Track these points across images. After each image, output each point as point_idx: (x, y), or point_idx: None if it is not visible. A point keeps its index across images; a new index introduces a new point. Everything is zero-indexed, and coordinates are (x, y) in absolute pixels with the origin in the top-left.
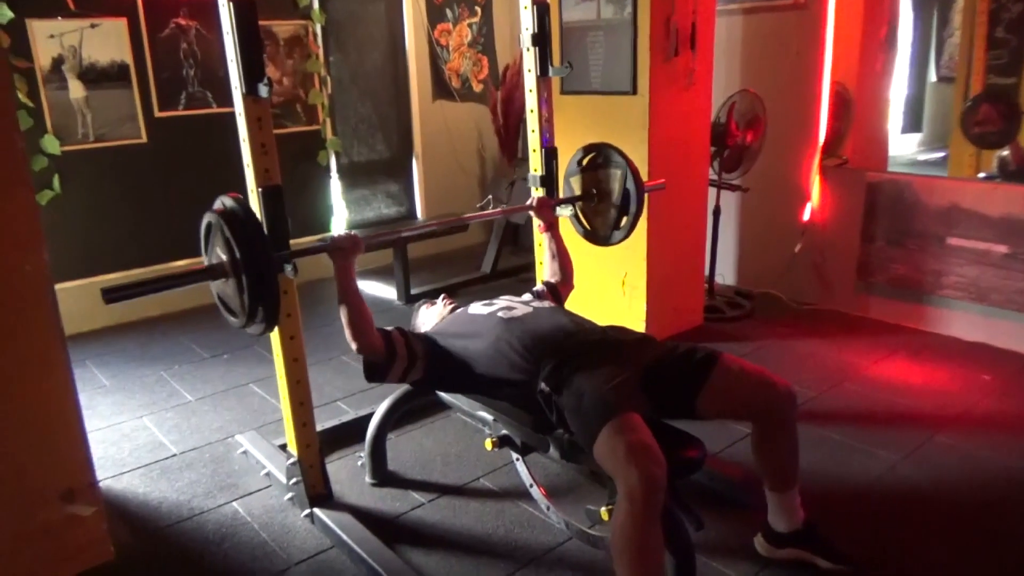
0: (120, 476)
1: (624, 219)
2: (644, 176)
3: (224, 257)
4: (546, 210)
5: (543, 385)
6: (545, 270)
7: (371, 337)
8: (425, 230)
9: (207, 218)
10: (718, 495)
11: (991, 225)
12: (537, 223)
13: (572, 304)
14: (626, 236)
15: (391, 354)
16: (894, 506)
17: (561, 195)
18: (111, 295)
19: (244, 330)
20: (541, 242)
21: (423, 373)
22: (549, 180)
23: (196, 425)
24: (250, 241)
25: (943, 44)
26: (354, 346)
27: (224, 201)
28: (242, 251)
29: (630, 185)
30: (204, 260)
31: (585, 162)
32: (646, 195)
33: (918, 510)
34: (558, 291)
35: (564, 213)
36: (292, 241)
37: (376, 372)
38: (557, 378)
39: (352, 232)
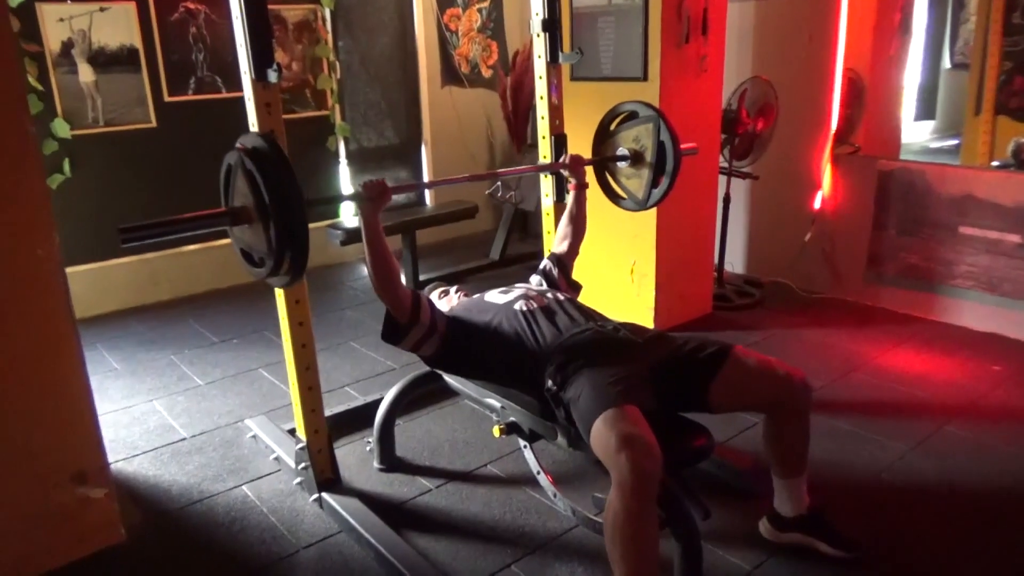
0: (131, 459)
1: (662, 177)
2: None
3: (248, 199)
4: (579, 167)
5: (550, 383)
6: (557, 236)
7: (399, 289)
8: (449, 183)
9: (228, 159)
10: (725, 484)
11: (1004, 214)
12: (568, 181)
13: (582, 293)
14: (665, 194)
15: (415, 315)
16: (902, 495)
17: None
18: (127, 235)
19: (268, 280)
20: (563, 209)
21: (436, 348)
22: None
23: (206, 409)
24: (279, 179)
25: (958, 30)
26: (380, 293)
27: (245, 140)
28: (268, 188)
29: (664, 137)
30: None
31: (613, 126)
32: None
33: (926, 500)
34: (565, 265)
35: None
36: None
37: (395, 332)
38: (563, 375)
39: (380, 179)
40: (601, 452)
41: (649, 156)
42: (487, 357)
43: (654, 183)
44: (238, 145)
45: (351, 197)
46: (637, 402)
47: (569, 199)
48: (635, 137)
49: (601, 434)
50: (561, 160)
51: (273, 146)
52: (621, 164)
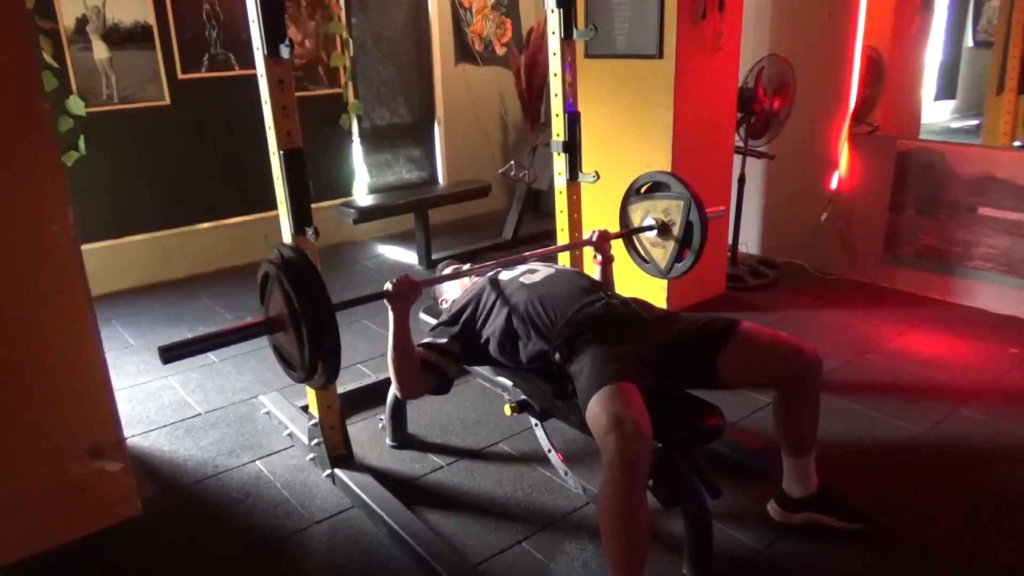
0: (147, 434)
1: (687, 252)
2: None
3: (283, 309)
4: (606, 244)
5: (557, 355)
6: None
7: (419, 382)
8: (488, 269)
9: (264, 268)
10: (736, 464)
11: None
12: (592, 255)
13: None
14: (688, 270)
15: (442, 377)
16: (916, 477)
17: (619, 224)
18: (168, 354)
19: (303, 383)
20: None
21: (462, 365)
22: (572, 146)
23: (220, 385)
24: (310, 293)
25: (981, 7)
26: (401, 396)
27: (282, 251)
28: (302, 304)
29: (694, 217)
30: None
31: (642, 191)
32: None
33: (940, 481)
34: None
35: (587, 179)
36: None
37: (438, 392)
38: (570, 349)
39: (407, 276)
40: (593, 431)
41: (677, 231)
42: (501, 344)
43: (678, 257)
44: (274, 257)
45: (380, 295)
46: (635, 380)
47: (596, 274)
48: (665, 209)
49: (594, 413)
50: (588, 237)
51: (305, 261)
52: (648, 233)
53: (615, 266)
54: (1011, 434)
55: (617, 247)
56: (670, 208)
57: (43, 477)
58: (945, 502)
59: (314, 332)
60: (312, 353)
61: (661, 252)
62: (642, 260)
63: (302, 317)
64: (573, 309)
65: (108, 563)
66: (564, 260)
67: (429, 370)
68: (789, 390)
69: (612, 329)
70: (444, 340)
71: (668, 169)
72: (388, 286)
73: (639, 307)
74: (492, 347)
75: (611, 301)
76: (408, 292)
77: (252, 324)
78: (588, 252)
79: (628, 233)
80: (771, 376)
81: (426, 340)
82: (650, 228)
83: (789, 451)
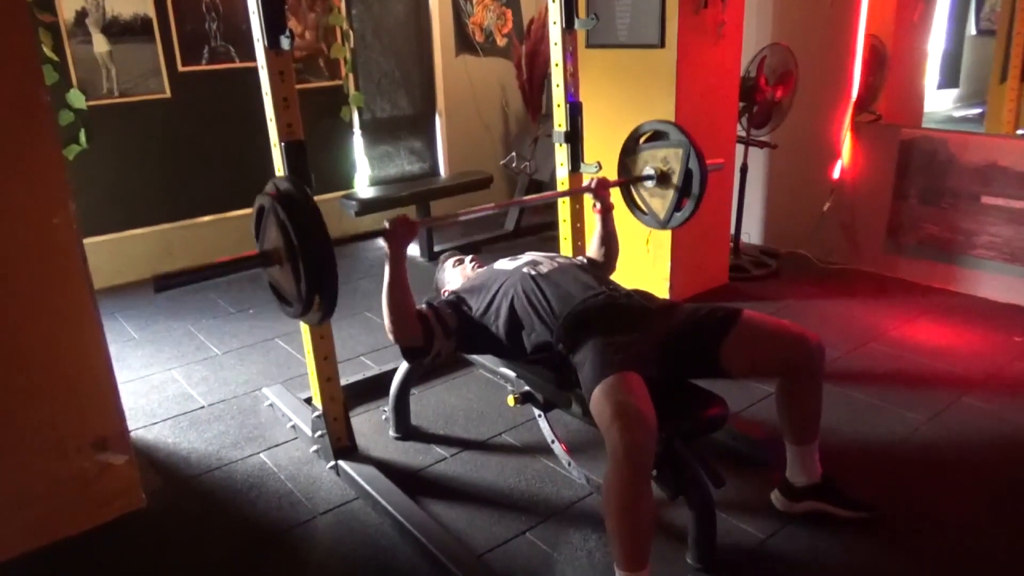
0: (151, 426)
1: (686, 200)
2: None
3: (279, 243)
4: (605, 192)
5: (560, 346)
6: (590, 250)
7: (411, 327)
8: (484, 213)
9: (259, 201)
10: (740, 453)
11: None
12: (592, 203)
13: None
14: (687, 219)
15: (428, 336)
16: (919, 465)
17: (616, 173)
18: (161, 283)
19: (299, 319)
20: (592, 223)
21: (456, 345)
22: (574, 136)
23: (223, 378)
24: (308, 224)
25: None
26: (393, 337)
27: (277, 183)
28: (299, 235)
29: (693, 165)
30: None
31: (642, 140)
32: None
33: (943, 470)
34: (599, 270)
35: (589, 170)
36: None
37: (416, 354)
38: (573, 339)
39: (405, 215)
40: (597, 420)
41: (676, 179)
42: (503, 333)
43: (678, 206)
44: (269, 189)
45: (378, 233)
46: (639, 370)
47: (596, 222)
48: (664, 158)
49: (598, 402)
50: (587, 184)
51: (302, 192)
52: (647, 182)
53: (617, 220)
54: (1014, 423)
55: (618, 202)
56: (669, 157)
57: (48, 470)
58: (948, 491)
59: (311, 264)
60: (309, 286)
61: (660, 202)
62: (641, 212)
63: (299, 249)
64: (576, 300)
65: (113, 555)
66: (563, 209)
67: (422, 322)
68: (792, 378)
69: (615, 319)
70: (446, 310)
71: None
72: (386, 224)
73: (642, 298)
74: (496, 337)
75: (614, 293)
76: (405, 231)
77: (247, 256)
78: (588, 203)
79: (627, 181)
80: (774, 364)
81: (429, 300)
82: (649, 178)
83: (792, 440)
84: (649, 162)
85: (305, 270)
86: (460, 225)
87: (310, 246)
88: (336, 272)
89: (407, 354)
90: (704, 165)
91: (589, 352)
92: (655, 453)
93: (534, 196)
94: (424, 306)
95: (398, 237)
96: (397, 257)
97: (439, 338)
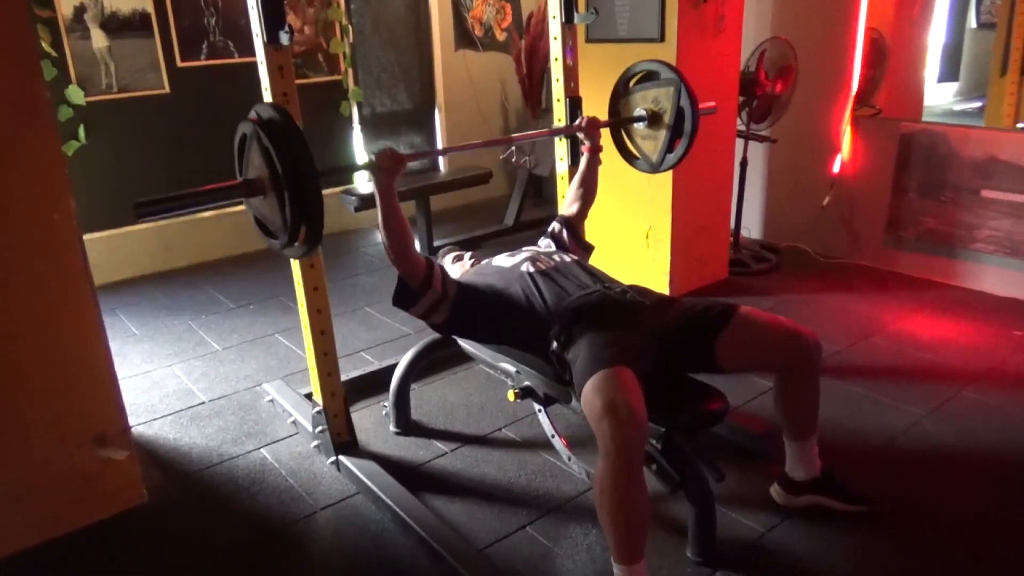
0: (151, 422)
1: (678, 141)
2: None
3: (263, 171)
4: (596, 131)
5: (555, 344)
6: (566, 198)
7: (413, 256)
8: (463, 149)
9: (241, 129)
10: (739, 447)
11: None
12: (582, 144)
13: (596, 258)
14: (680, 160)
15: (427, 281)
16: (919, 460)
17: (606, 118)
18: (142, 209)
19: (284, 252)
20: (576, 167)
21: (447, 315)
22: None
23: (224, 374)
24: (292, 151)
25: None
26: (394, 261)
27: (259, 110)
28: (283, 163)
29: (684, 103)
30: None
31: (632, 83)
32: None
33: (943, 464)
34: (575, 227)
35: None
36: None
37: (406, 297)
38: (568, 336)
39: (390, 148)
40: (588, 416)
41: (667, 119)
42: (497, 320)
43: (670, 147)
44: (251, 116)
45: (365, 166)
46: (631, 365)
47: (582, 162)
48: (654, 98)
49: (588, 398)
50: (577, 123)
51: (286, 118)
52: (638, 125)
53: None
54: (1014, 416)
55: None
56: (660, 96)
57: (50, 466)
58: (948, 484)
59: (296, 191)
60: (294, 215)
61: (652, 144)
62: (632, 156)
63: (283, 176)
64: (571, 297)
65: (115, 550)
66: (560, 146)
67: (428, 265)
68: (788, 374)
69: (609, 315)
70: (449, 277)
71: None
72: (372, 157)
73: (637, 294)
74: (491, 329)
75: (609, 289)
76: (392, 164)
77: (229, 185)
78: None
79: (618, 122)
80: (769, 361)
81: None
82: (640, 119)
83: (791, 435)
84: (640, 103)
85: (290, 198)
86: (459, 218)
87: (295, 172)
88: (322, 199)
89: (400, 294)
90: (696, 101)
91: (582, 348)
92: (646, 447)
93: (525, 134)
94: (435, 260)
95: (386, 170)
96: (386, 191)
97: (433, 293)
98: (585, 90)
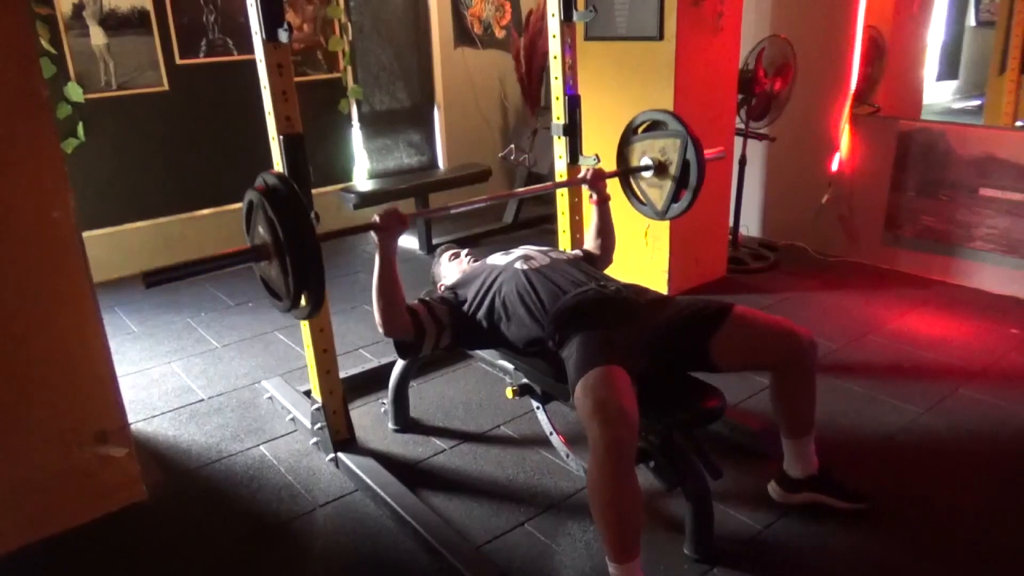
0: (151, 419)
1: (684, 192)
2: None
3: (267, 238)
4: (601, 183)
5: (550, 342)
6: (587, 243)
7: (401, 320)
8: (477, 205)
9: (248, 196)
10: (737, 445)
11: None
12: (588, 195)
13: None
14: (685, 210)
15: (420, 331)
16: (916, 457)
17: (616, 165)
18: (151, 279)
19: (288, 313)
20: (589, 214)
21: (451, 339)
22: (572, 129)
23: (223, 371)
24: (294, 221)
25: None
26: (383, 330)
27: (266, 178)
28: (286, 232)
29: (690, 156)
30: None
31: (640, 130)
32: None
33: (940, 461)
34: (594, 262)
35: (588, 162)
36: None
37: (408, 350)
38: (562, 334)
39: (395, 207)
40: (579, 414)
41: (673, 170)
42: (496, 327)
43: (675, 197)
44: (258, 184)
45: (368, 227)
46: (624, 364)
47: (592, 214)
48: (661, 148)
49: (580, 396)
50: (582, 175)
51: (290, 188)
52: (644, 172)
53: (614, 213)
54: (1011, 414)
55: (615, 195)
56: (667, 147)
57: (49, 463)
58: (945, 481)
59: (298, 261)
60: (297, 283)
61: (658, 193)
62: (639, 202)
63: (286, 246)
64: (566, 296)
65: (114, 547)
66: (561, 201)
67: (412, 316)
68: (784, 373)
69: (603, 314)
70: (439, 305)
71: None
72: (375, 218)
73: (633, 292)
74: (487, 330)
75: (604, 287)
76: (395, 224)
77: (238, 251)
78: (586, 196)
79: (623, 173)
80: (764, 359)
81: (423, 296)
82: (646, 168)
83: (788, 433)
84: (647, 152)
85: (292, 265)
86: (458, 217)
87: (296, 241)
88: (322, 267)
89: (399, 348)
90: (702, 155)
91: (575, 346)
92: (643, 445)
93: (529, 188)
94: (417, 302)
95: (388, 230)
96: (387, 251)
97: (430, 334)
98: (584, 88)
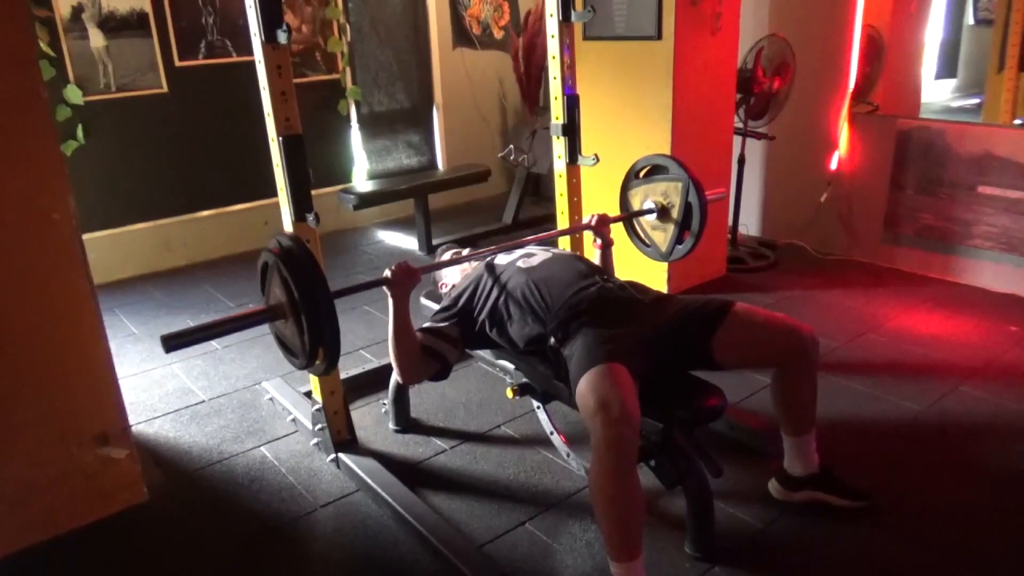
0: (152, 421)
1: (687, 234)
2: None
3: (282, 298)
4: (605, 228)
5: (552, 340)
6: None
7: (422, 367)
8: (491, 253)
9: (263, 258)
10: (737, 443)
11: None
12: (592, 239)
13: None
14: (689, 251)
15: (441, 360)
16: (916, 454)
17: (619, 209)
18: (171, 343)
19: (305, 370)
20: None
21: (463, 349)
22: (571, 129)
23: (223, 372)
24: (309, 282)
25: None
26: (403, 381)
27: (280, 240)
28: (301, 292)
29: (692, 199)
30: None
31: (641, 174)
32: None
33: (941, 459)
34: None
35: (586, 163)
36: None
37: (439, 377)
38: (564, 332)
39: (407, 262)
40: (582, 412)
41: (676, 214)
42: (499, 327)
43: (679, 239)
44: (272, 246)
45: (380, 282)
46: (626, 362)
47: (595, 258)
48: (664, 191)
49: (582, 394)
50: (587, 221)
51: (303, 250)
52: (648, 216)
53: (615, 250)
54: (1011, 411)
55: (618, 232)
56: (669, 191)
57: (50, 465)
58: (946, 480)
59: (313, 320)
60: (312, 341)
61: (661, 235)
62: (643, 244)
63: (301, 306)
64: (568, 293)
65: (115, 549)
66: (564, 244)
67: (429, 355)
68: (785, 370)
69: (606, 312)
70: (444, 325)
71: (668, 151)
72: (387, 273)
73: (635, 290)
74: (489, 331)
75: (606, 285)
76: (406, 278)
77: (254, 312)
78: (589, 237)
79: (627, 217)
80: (766, 356)
81: (426, 325)
82: (649, 212)
83: (789, 431)
84: (649, 196)
85: (308, 325)
86: (458, 217)
87: (311, 302)
88: (338, 326)
89: (434, 378)
90: (704, 198)
91: (578, 344)
92: (644, 443)
93: (536, 236)
94: (423, 335)
95: (399, 284)
96: (399, 306)
97: (451, 356)
98: (583, 88)
